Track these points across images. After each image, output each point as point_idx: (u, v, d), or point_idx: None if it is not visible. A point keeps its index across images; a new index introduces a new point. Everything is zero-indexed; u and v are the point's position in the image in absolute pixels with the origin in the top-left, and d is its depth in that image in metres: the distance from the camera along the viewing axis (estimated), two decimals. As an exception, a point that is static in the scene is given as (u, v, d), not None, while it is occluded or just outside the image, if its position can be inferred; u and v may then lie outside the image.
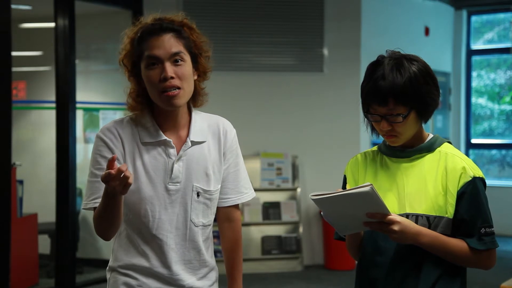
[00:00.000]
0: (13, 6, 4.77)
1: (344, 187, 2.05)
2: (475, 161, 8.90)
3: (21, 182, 5.71)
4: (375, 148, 2.13)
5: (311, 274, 6.44)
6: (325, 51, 6.91)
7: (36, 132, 7.12)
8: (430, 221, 1.92)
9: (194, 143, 2.05)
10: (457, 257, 1.93)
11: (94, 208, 1.99)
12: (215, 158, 2.08)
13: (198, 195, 2.03)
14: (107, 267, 2.11)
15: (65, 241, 5.61)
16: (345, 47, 6.91)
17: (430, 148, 2.01)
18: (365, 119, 2.04)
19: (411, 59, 1.98)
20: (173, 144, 2.02)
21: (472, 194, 1.93)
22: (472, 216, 1.92)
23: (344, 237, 2.11)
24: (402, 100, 1.90)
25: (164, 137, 2.01)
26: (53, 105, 5.75)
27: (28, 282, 5.64)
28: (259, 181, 6.67)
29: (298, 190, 6.75)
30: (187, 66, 1.97)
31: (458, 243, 1.92)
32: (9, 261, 4.78)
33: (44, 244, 6.19)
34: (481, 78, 9.07)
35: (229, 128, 2.14)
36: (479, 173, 1.97)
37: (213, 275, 2.17)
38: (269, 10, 6.82)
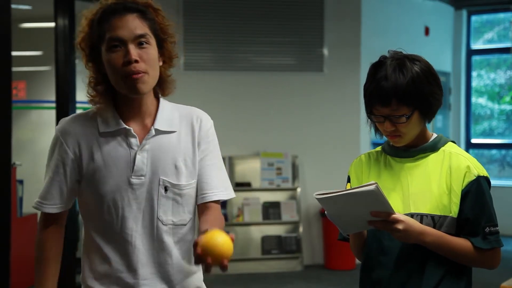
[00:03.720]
0: (13, 6, 4.77)
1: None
2: (475, 161, 8.93)
3: (21, 182, 5.71)
4: (379, 148, 2.13)
5: (311, 274, 6.44)
6: (325, 51, 6.91)
7: (36, 132, 7.12)
8: (435, 221, 1.91)
9: (159, 132, 1.87)
10: (462, 256, 1.93)
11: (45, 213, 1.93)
12: (187, 149, 1.89)
13: (166, 190, 1.85)
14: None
15: (65, 241, 5.60)
16: (345, 47, 6.91)
17: (434, 147, 2.01)
18: (368, 119, 2.03)
19: (414, 59, 1.98)
20: (134, 133, 1.84)
21: (476, 193, 1.92)
22: (476, 215, 1.92)
23: (347, 238, 2.10)
24: (405, 100, 1.90)
25: (124, 125, 1.84)
26: (53, 105, 5.75)
27: (28, 282, 5.63)
28: (259, 181, 6.67)
29: (298, 190, 6.75)
30: (152, 50, 1.81)
31: (462, 242, 1.92)
32: (9, 261, 4.77)
33: (44, 244, 6.18)
34: (481, 78, 9.07)
35: (205, 118, 1.95)
36: (483, 172, 1.96)
37: (192, 282, 1.94)
38: (269, 10, 6.82)
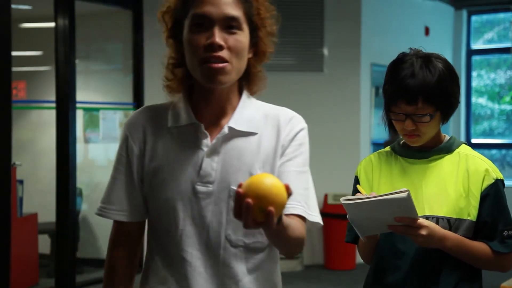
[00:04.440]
0: (13, 6, 4.77)
1: (355, 189, 1.99)
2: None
3: (21, 182, 5.71)
4: (388, 148, 2.09)
5: (311, 274, 6.44)
6: (325, 51, 6.91)
7: (36, 132, 7.12)
8: (450, 224, 1.88)
9: (235, 132, 1.55)
10: (480, 260, 1.90)
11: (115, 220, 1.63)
12: (268, 155, 1.55)
13: None
14: None
15: (65, 241, 5.61)
16: (345, 47, 6.91)
17: (449, 149, 1.97)
18: (385, 117, 1.99)
19: (437, 57, 1.94)
20: (205, 131, 1.53)
21: (495, 197, 1.90)
22: (494, 218, 1.90)
23: (356, 240, 2.05)
24: (432, 99, 1.86)
25: (194, 119, 1.54)
26: (53, 105, 5.75)
27: (28, 282, 5.64)
28: (259, 181, 6.67)
29: (298, 190, 6.75)
30: (243, 37, 1.50)
31: (481, 246, 1.90)
32: (9, 261, 4.77)
33: (44, 244, 6.19)
34: (481, 78, 9.07)
35: (296, 119, 1.61)
36: (500, 175, 1.95)
37: None
38: (269, 10, 6.81)
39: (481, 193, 1.89)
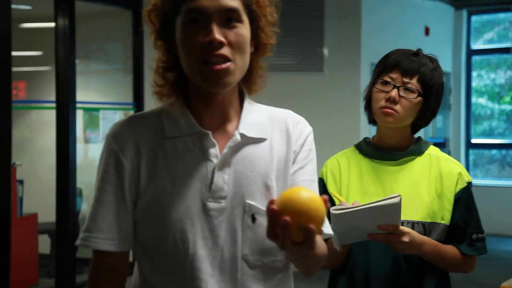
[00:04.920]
0: (13, 6, 4.77)
1: (324, 192, 1.92)
2: (474, 161, 8.94)
3: (21, 182, 5.71)
4: (352, 148, 2.03)
5: (311, 274, 6.43)
6: (325, 51, 6.91)
7: (36, 132, 7.12)
8: (425, 228, 1.86)
9: (246, 139, 1.38)
10: (450, 263, 1.90)
11: (96, 250, 1.38)
12: (280, 161, 1.41)
13: (253, 219, 1.34)
14: None
15: (65, 241, 5.61)
16: (345, 47, 6.91)
17: (420, 151, 1.94)
18: (367, 91, 1.96)
19: (436, 59, 1.98)
20: (213, 139, 1.35)
21: (467, 200, 1.90)
22: (465, 222, 1.89)
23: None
24: (425, 82, 1.88)
25: (200, 128, 1.35)
26: (53, 105, 5.75)
27: (28, 282, 5.63)
28: (259, 181, 6.67)
29: (298, 190, 6.75)
30: (244, 30, 1.33)
31: (452, 250, 1.89)
32: (9, 261, 4.77)
33: (44, 244, 6.19)
34: (481, 78, 9.07)
35: (302, 122, 1.49)
36: (470, 177, 1.95)
37: None
38: (269, 10, 6.82)
39: (455, 197, 1.88)
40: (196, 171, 1.34)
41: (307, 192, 1.14)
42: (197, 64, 1.30)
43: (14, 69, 4.77)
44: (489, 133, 9.00)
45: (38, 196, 6.49)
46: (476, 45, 8.98)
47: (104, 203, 1.35)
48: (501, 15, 8.84)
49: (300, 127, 1.47)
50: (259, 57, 1.44)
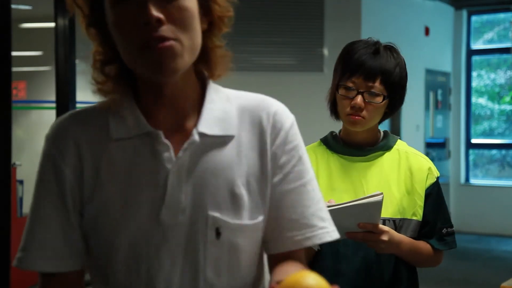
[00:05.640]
0: (13, 6, 4.77)
1: None
2: (474, 161, 8.94)
3: (21, 182, 5.71)
4: (318, 143, 1.99)
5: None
6: (325, 51, 6.91)
7: (36, 132, 7.12)
8: (396, 224, 1.83)
9: (207, 138, 1.13)
10: (423, 259, 1.88)
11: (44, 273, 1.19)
12: (253, 165, 1.15)
13: (218, 234, 1.12)
14: None
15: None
16: (345, 47, 6.92)
17: (388, 146, 1.91)
18: (330, 95, 1.92)
19: (396, 49, 1.93)
20: (165, 140, 1.12)
21: (437, 195, 1.88)
22: (435, 217, 1.88)
23: None
24: (389, 82, 1.82)
25: (149, 127, 1.12)
26: (53, 105, 5.75)
27: (28, 282, 5.63)
28: (259, 181, 6.67)
29: (298, 190, 6.75)
30: (188, 2, 1.08)
31: (425, 246, 1.87)
32: (9, 261, 4.77)
33: (44, 244, 6.19)
34: (481, 78, 9.07)
35: (281, 111, 1.20)
36: (438, 172, 1.93)
37: None
38: (269, 10, 6.82)
39: (425, 192, 1.87)
40: (147, 179, 1.11)
41: (313, 279, 0.95)
42: (135, 50, 1.07)
43: (14, 69, 4.77)
44: (489, 133, 9.00)
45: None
46: (476, 45, 8.98)
47: (42, 217, 1.14)
48: (501, 15, 8.84)
49: (277, 120, 1.18)
50: (214, 35, 1.15)
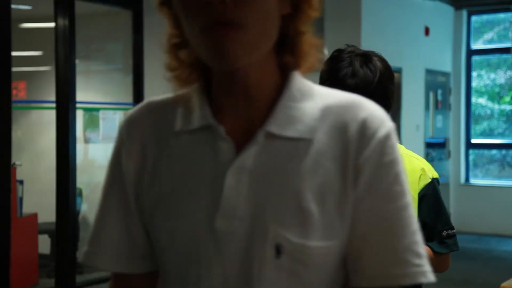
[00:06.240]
0: (13, 6, 4.78)
1: None
2: (474, 161, 8.94)
3: (21, 182, 5.72)
4: None
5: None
6: (325, 51, 6.90)
7: (36, 132, 7.12)
8: None
9: (275, 138, 0.97)
10: None
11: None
12: (331, 178, 0.95)
13: (278, 252, 0.93)
14: None
15: (65, 241, 5.61)
16: (345, 47, 6.91)
17: None
18: None
19: (376, 55, 1.84)
20: (227, 136, 0.97)
21: (432, 196, 1.86)
22: (433, 219, 1.86)
23: None
24: (371, 97, 1.79)
25: (211, 120, 0.99)
26: (53, 105, 5.75)
27: (28, 282, 5.63)
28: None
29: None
30: None
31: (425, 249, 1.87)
32: (9, 261, 4.77)
33: (44, 244, 6.19)
34: (481, 78, 9.07)
35: (375, 119, 0.98)
36: (435, 173, 1.90)
37: None
38: (269, 10, 6.82)
39: (419, 194, 1.85)
40: (203, 178, 0.97)
41: None
42: (196, 32, 0.93)
43: (14, 69, 4.78)
44: (489, 133, 9.00)
45: (38, 196, 6.49)
46: (476, 45, 8.98)
47: (107, 214, 1.06)
48: (501, 15, 8.84)
49: (368, 126, 0.96)
50: (300, 20, 1.02)
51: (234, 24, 0.91)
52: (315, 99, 1.00)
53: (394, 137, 0.99)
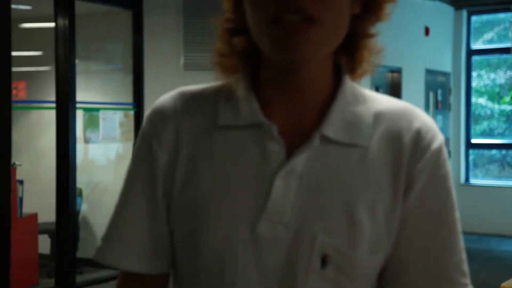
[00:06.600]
0: (13, 6, 4.78)
1: None
2: (474, 161, 8.94)
3: (21, 182, 5.72)
4: None
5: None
6: (325, 51, 6.92)
7: (36, 132, 7.12)
8: None
9: (330, 143, 0.92)
10: None
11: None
12: (383, 188, 0.92)
13: (324, 262, 0.89)
14: None
15: (65, 241, 5.61)
16: (345, 47, 6.92)
17: None
18: None
19: None
20: (279, 136, 0.92)
21: None
22: None
23: None
24: None
25: (262, 117, 0.93)
26: (53, 105, 5.75)
27: (28, 282, 5.64)
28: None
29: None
30: None
31: None
32: (9, 261, 4.77)
33: (44, 244, 6.19)
34: (481, 78, 9.07)
35: (430, 130, 0.95)
36: None
37: None
38: (269, 10, 6.82)
39: None
40: (249, 178, 0.91)
41: None
42: (264, 22, 0.88)
43: (14, 69, 4.78)
44: (489, 133, 9.00)
45: (38, 196, 6.49)
46: (476, 45, 8.99)
47: (130, 207, 0.98)
48: (501, 15, 8.84)
49: (423, 137, 0.93)
50: (368, 21, 0.98)
51: (310, 19, 0.86)
52: (367, 104, 0.96)
53: (445, 149, 0.96)
